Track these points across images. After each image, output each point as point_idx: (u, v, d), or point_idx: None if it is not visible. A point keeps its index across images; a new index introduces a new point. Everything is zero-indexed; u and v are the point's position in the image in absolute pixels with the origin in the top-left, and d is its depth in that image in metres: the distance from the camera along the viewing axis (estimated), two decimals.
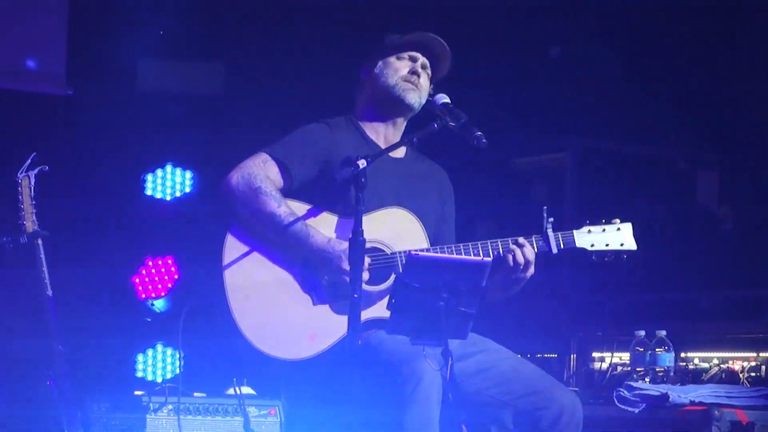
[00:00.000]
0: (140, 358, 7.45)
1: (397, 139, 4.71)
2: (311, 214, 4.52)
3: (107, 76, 7.50)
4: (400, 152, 4.76)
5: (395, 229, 4.53)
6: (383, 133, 4.74)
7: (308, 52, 7.61)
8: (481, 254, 4.48)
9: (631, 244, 4.62)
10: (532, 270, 4.50)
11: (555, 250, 4.53)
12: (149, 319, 7.47)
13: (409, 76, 4.67)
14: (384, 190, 4.60)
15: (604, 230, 4.60)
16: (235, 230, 4.52)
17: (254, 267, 4.48)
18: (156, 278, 7.52)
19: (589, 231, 4.60)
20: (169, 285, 7.48)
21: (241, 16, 7.39)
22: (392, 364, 4.21)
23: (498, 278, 4.50)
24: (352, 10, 7.45)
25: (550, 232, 4.52)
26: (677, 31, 7.54)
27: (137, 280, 7.52)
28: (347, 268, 4.35)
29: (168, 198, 7.51)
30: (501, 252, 4.48)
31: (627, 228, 4.63)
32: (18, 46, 7.27)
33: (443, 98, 4.56)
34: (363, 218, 4.33)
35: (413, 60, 4.69)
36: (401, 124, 4.77)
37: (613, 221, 4.62)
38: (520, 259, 4.46)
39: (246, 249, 4.50)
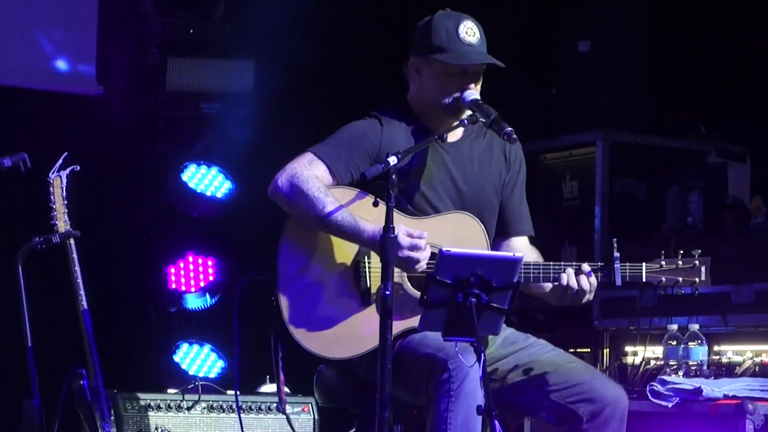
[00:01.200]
0: (184, 347, 7.45)
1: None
2: (358, 198, 4.40)
3: (137, 75, 7.52)
4: (456, 135, 4.56)
5: (458, 236, 4.41)
6: (442, 123, 4.50)
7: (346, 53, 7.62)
8: (541, 278, 4.37)
9: (705, 283, 4.45)
10: (590, 297, 4.39)
11: (619, 283, 4.40)
12: (173, 309, 7.49)
13: (461, 93, 4.46)
14: (442, 182, 4.50)
15: (677, 266, 4.44)
16: (291, 225, 4.44)
17: (307, 263, 4.42)
18: (191, 274, 7.54)
19: (661, 266, 4.44)
20: (202, 284, 7.50)
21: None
22: (439, 360, 4.18)
23: (554, 294, 4.44)
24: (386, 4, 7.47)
25: (617, 264, 4.39)
26: (708, 22, 7.52)
27: (172, 270, 7.53)
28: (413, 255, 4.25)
29: (198, 190, 7.52)
30: (564, 279, 4.35)
31: (705, 264, 4.44)
32: (48, 47, 7.30)
33: (472, 94, 4.45)
34: (427, 220, 4.38)
35: (463, 73, 4.46)
36: None
37: (692, 254, 4.45)
38: (585, 285, 4.36)
39: (301, 244, 4.43)
